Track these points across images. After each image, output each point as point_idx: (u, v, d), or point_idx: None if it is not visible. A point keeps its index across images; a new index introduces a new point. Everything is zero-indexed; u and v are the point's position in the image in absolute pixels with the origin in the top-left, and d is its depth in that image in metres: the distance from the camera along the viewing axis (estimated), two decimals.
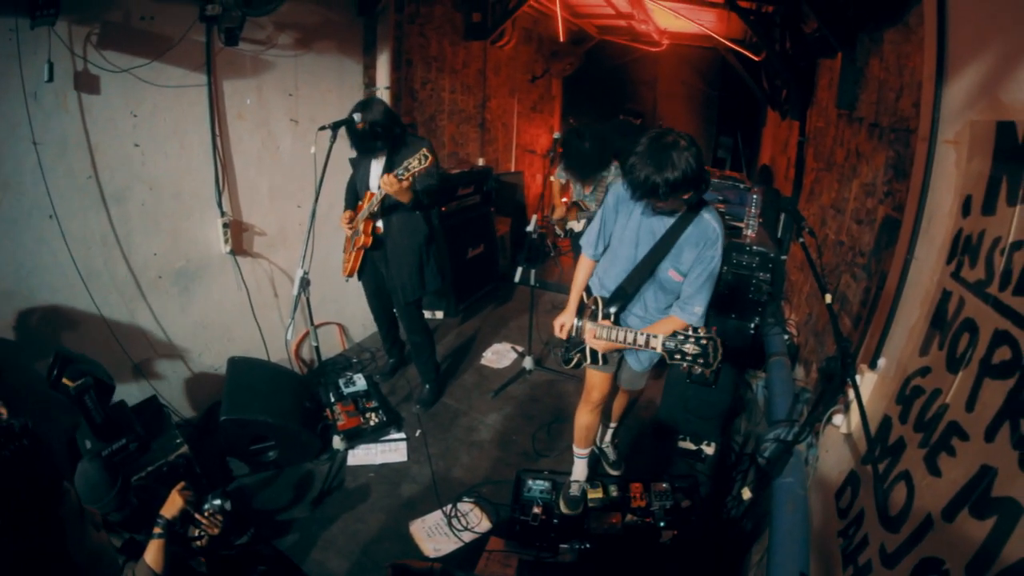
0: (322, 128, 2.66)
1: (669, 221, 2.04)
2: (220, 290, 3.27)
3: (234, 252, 3.26)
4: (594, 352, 2.24)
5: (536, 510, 2.65)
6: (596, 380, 2.45)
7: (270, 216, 3.50)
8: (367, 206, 2.87)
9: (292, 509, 2.70)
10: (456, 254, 4.66)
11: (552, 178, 4.34)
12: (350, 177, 3.13)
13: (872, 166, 2.45)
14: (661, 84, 7.88)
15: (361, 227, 2.96)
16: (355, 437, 3.12)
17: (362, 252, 3.06)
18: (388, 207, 2.93)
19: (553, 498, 2.73)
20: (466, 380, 3.87)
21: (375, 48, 3.98)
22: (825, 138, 3.43)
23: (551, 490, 2.78)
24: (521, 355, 4.12)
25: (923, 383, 1.43)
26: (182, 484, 1.85)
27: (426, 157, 2.55)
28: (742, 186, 4.27)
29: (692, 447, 3.08)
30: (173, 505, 1.78)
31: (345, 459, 3.01)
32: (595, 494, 2.73)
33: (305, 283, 2.61)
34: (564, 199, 4.36)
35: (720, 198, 4.08)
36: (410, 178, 2.61)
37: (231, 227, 3.21)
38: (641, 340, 1.98)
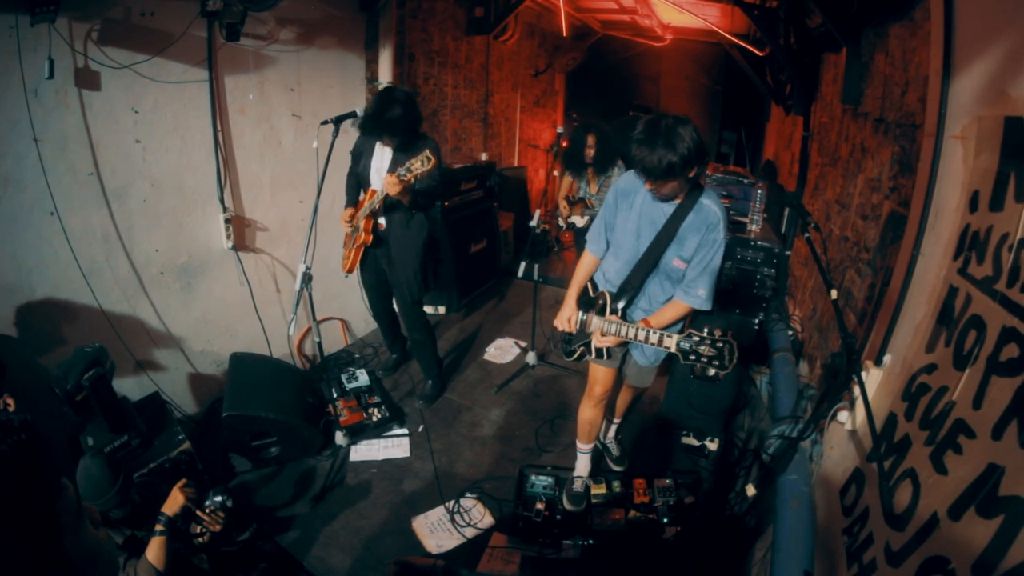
0: (325, 122, 2.66)
1: (669, 210, 2.03)
2: (222, 286, 3.27)
3: (236, 247, 3.26)
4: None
5: (539, 506, 2.65)
6: (599, 375, 2.44)
7: (272, 211, 3.50)
8: (368, 203, 2.85)
9: (294, 505, 2.70)
10: (459, 249, 4.65)
11: (556, 173, 4.33)
12: (350, 168, 3.11)
13: (877, 161, 2.43)
14: (665, 79, 7.84)
15: (361, 224, 2.94)
16: (357, 433, 3.12)
17: (362, 249, 3.05)
18: (389, 205, 2.91)
19: (556, 494, 2.73)
20: (469, 375, 3.87)
21: (377, 43, 3.97)
22: (830, 133, 3.41)
23: (554, 486, 2.77)
24: (524, 350, 4.11)
25: (929, 380, 1.42)
26: (184, 481, 1.86)
27: (429, 159, 2.51)
28: (746, 181, 4.24)
29: (695, 443, 3.07)
30: (175, 502, 1.79)
31: (347, 455, 3.01)
32: (598, 490, 2.73)
33: (307, 278, 2.60)
34: (570, 195, 4.35)
35: (724, 193, 4.06)
36: (411, 179, 2.59)
37: (233, 223, 3.21)
38: (654, 338, 1.95)
